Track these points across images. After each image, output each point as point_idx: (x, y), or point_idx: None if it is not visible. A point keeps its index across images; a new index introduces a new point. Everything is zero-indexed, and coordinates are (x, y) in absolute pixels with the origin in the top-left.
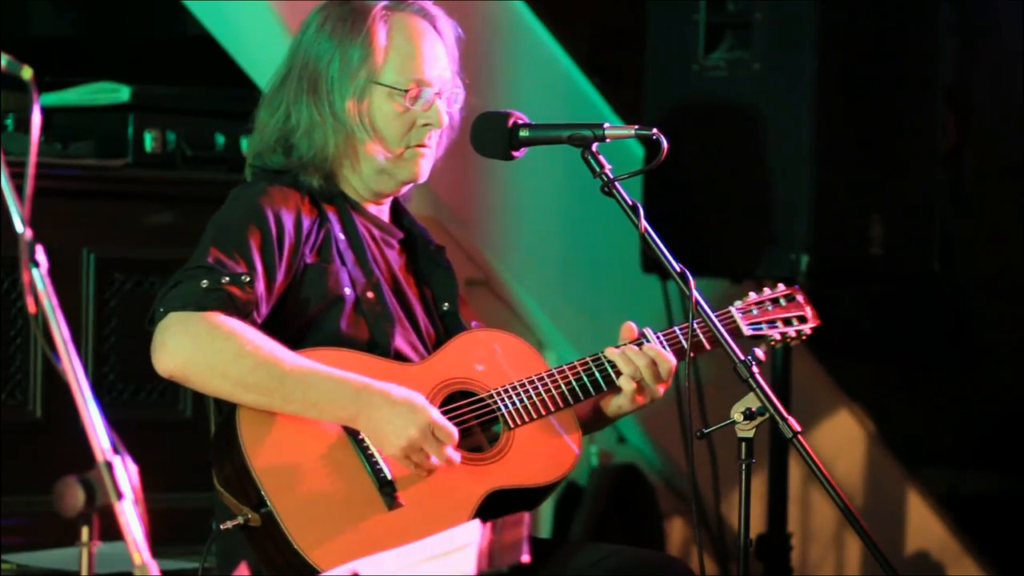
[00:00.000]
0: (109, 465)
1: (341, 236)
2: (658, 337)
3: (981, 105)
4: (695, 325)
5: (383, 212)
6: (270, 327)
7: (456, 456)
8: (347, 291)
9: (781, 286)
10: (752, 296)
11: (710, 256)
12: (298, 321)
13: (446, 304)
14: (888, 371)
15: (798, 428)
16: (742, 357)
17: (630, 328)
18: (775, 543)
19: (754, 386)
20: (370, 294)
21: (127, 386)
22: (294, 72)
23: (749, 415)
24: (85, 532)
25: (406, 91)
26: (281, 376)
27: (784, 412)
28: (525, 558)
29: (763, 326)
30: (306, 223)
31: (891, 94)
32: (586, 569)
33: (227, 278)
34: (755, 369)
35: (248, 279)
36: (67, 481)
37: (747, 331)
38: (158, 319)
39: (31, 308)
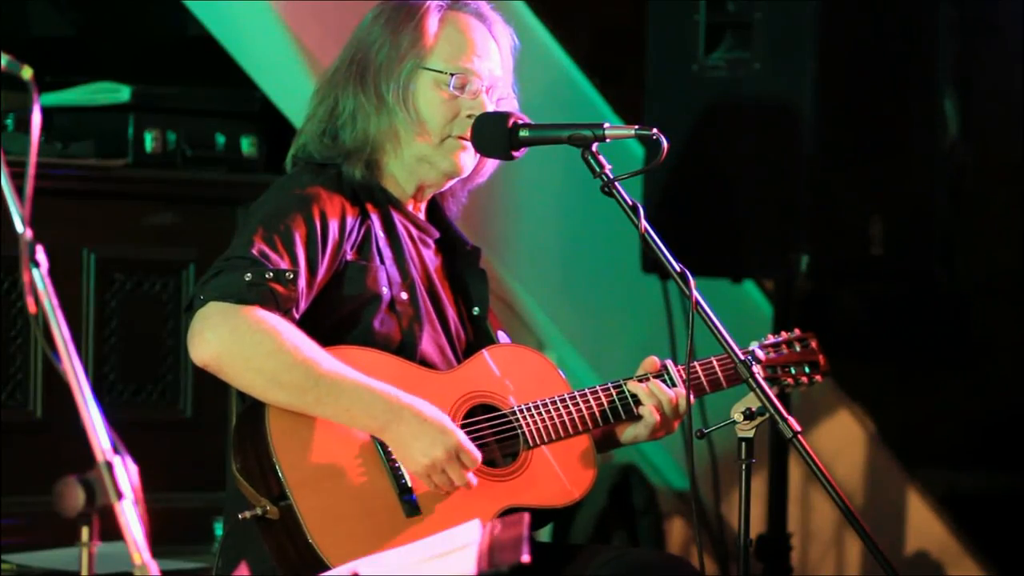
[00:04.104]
0: (109, 465)
1: (380, 233)
2: (678, 372)
3: (981, 105)
4: (715, 361)
5: (421, 211)
6: (304, 321)
7: (475, 481)
8: (384, 290)
9: (797, 330)
10: (769, 338)
11: (710, 256)
12: (333, 317)
13: (477, 309)
14: (888, 371)
15: (798, 428)
16: (742, 357)
17: (652, 361)
18: (775, 543)
19: (754, 386)
20: (404, 294)
21: (127, 386)
22: (346, 62)
23: (749, 415)
24: (85, 532)
25: (452, 76)
26: (317, 378)
27: (784, 412)
28: (525, 558)
29: (778, 369)
30: (349, 220)
31: (891, 94)
32: (591, 572)
33: (271, 274)
34: (755, 369)
35: (291, 276)
36: (67, 481)
37: (764, 372)
38: (198, 307)
39: (31, 308)
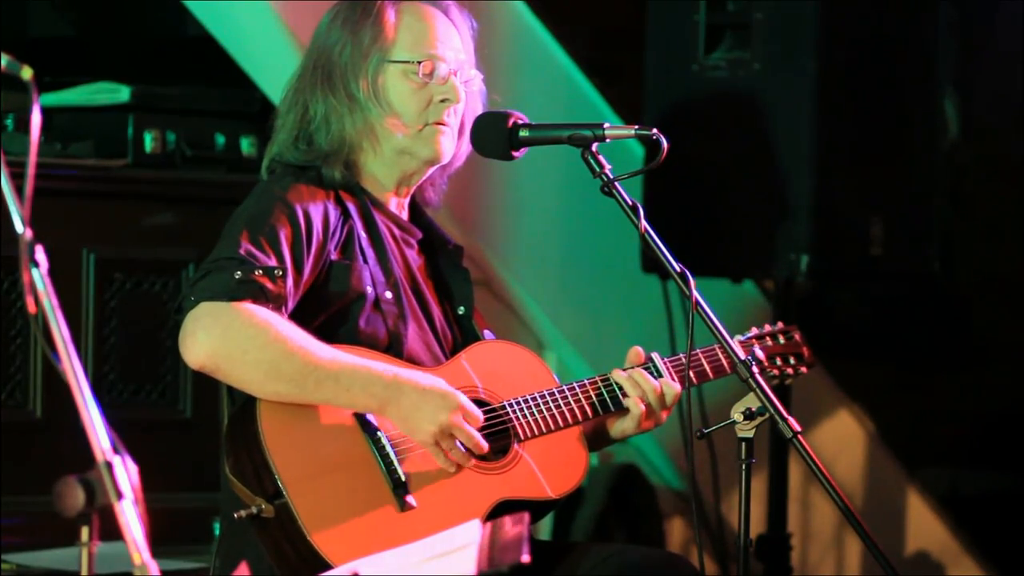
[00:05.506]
0: (109, 465)
1: (363, 233)
2: (664, 363)
3: (981, 105)
4: (700, 353)
5: (403, 210)
6: (292, 320)
7: (484, 444)
8: (368, 289)
9: (780, 323)
10: (753, 330)
11: (710, 256)
12: (318, 317)
13: (462, 308)
14: (888, 371)
15: (798, 428)
16: (742, 357)
17: (637, 352)
18: (775, 543)
19: (754, 386)
20: (388, 294)
21: (127, 386)
22: (309, 68)
23: (749, 415)
24: (85, 532)
25: (419, 63)
26: (315, 364)
27: (784, 412)
28: (525, 558)
29: (763, 361)
30: (332, 219)
31: (891, 94)
32: (590, 569)
33: (260, 270)
34: (755, 369)
35: (280, 273)
36: (67, 481)
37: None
38: (188, 308)
39: (31, 308)
